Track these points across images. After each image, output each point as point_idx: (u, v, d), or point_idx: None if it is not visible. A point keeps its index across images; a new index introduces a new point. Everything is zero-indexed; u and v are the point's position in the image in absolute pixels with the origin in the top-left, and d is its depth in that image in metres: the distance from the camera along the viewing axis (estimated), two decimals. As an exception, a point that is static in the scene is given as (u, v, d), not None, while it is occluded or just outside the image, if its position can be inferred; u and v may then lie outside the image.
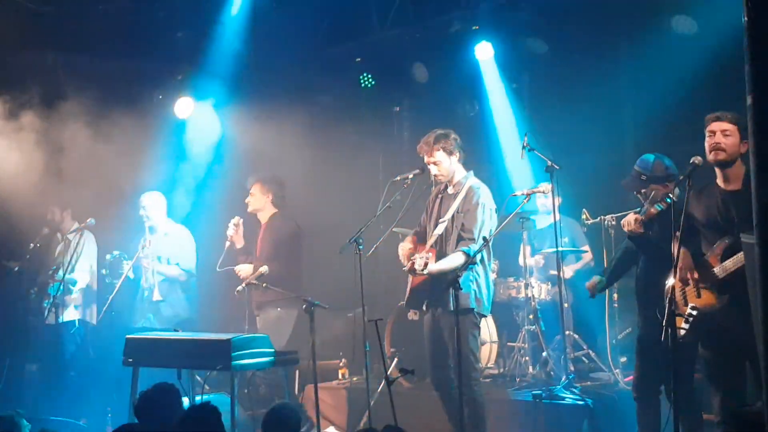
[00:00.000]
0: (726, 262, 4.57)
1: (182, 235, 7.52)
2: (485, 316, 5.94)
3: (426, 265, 5.43)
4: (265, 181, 7.28)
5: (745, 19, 2.75)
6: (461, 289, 5.20)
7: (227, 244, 7.03)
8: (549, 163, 6.39)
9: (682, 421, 4.91)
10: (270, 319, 6.97)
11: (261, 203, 7.27)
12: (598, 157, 8.11)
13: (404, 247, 5.91)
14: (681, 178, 4.43)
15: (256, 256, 7.12)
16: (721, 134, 4.62)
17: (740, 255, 4.47)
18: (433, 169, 5.77)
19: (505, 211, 5.97)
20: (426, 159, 5.78)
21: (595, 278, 5.61)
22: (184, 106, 8.84)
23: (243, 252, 7.12)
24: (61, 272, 7.44)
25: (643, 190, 5.25)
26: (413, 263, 5.51)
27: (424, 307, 5.76)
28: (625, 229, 5.10)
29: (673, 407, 4.21)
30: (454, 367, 5.51)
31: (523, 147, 6.59)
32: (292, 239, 7.19)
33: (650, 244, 5.08)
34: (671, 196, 4.90)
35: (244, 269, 7.00)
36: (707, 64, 7.08)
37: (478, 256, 5.53)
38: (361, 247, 5.53)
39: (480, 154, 8.08)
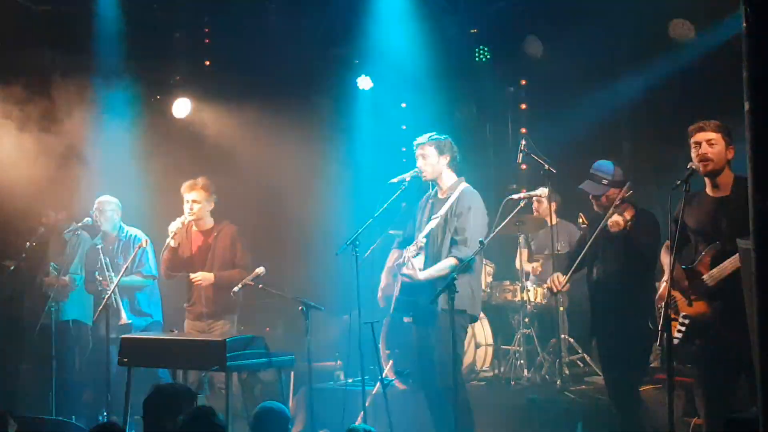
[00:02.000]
0: (713, 270, 4.59)
1: (139, 239, 7.19)
2: (476, 320, 5.96)
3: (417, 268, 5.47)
4: (207, 187, 6.93)
5: (744, 25, 2.75)
6: (458, 291, 5.19)
7: (170, 241, 6.77)
8: (546, 167, 6.40)
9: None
10: (217, 329, 6.84)
11: (205, 211, 6.95)
12: (595, 161, 8.11)
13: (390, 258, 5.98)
14: (678, 183, 4.44)
15: (202, 264, 6.89)
16: (707, 144, 4.63)
17: (726, 263, 4.51)
18: (419, 161, 5.76)
19: (501, 214, 5.97)
20: (417, 152, 5.80)
21: (560, 276, 5.48)
22: (181, 107, 8.83)
23: (172, 251, 6.86)
24: (54, 271, 7.42)
25: (601, 195, 5.36)
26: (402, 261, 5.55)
27: (411, 312, 5.75)
28: (614, 230, 5.16)
29: (669, 412, 4.21)
30: (439, 369, 5.50)
31: (521, 151, 6.61)
32: (246, 245, 7.04)
33: (632, 247, 5.14)
34: (631, 198, 5.11)
35: (207, 276, 6.81)
36: (705, 69, 7.10)
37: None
38: (357, 249, 5.53)
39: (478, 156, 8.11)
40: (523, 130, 8.60)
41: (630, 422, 5.35)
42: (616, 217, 5.14)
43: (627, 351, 5.26)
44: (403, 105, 9.45)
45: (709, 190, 4.73)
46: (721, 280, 4.55)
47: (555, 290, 5.49)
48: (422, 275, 5.52)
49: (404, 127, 9.55)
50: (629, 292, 5.25)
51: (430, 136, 5.78)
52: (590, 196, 5.46)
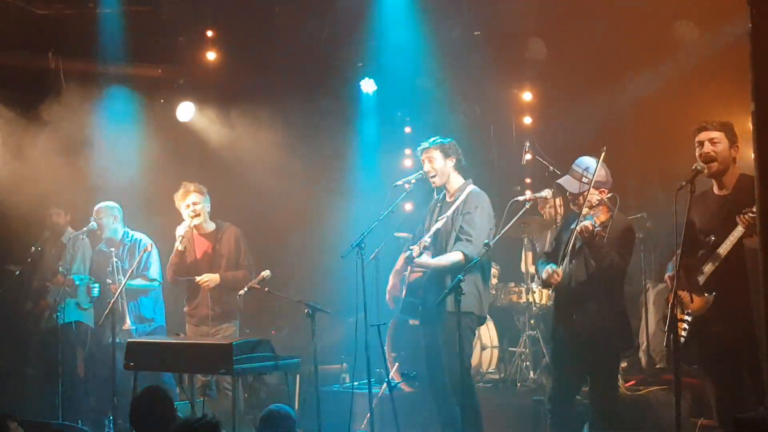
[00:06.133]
0: (705, 267, 4.60)
1: (143, 243, 7.22)
2: (484, 322, 5.95)
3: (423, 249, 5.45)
4: (200, 190, 6.99)
5: (750, 26, 2.76)
6: (464, 293, 5.18)
7: (179, 245, 6.85)
8: (551, 168, 6.40)
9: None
10: (221, 334, 6.86)
11: (205, 211, 7.01)
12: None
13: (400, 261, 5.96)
14: (684, 183, 4.40)
15: (208, 268, 6.92)
16: (710, 143, 4.62)
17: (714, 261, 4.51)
18: (426, 166, 5.77)
19: (506, 216, 5.96)
20: (422, 157, 5.79)
21: (554, 269, 5.06)
22: (185, 110, 8.85)
23: (180, 255, 6.91)
24: (63, 272, 7.44)
25: (579, 193, 5.06)
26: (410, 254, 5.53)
27: (419, 313, 5.74)
28: (584, 235, 4.81)
29: (676, 413, 4.21)
30: (447, 372, 5.50)
31: (525, 152, 6.61)
32: (248, 246, 7.10)
33: (604, 252, 4.86)
34: (607, 202, 4.87)
35: (213, 278, 6.84)
36: (710, 71, 7.08)
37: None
38: (363, 251, 5.53)
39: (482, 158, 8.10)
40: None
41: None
42: (586, 223, 4.78)
43: (589, 360, 4.98)
44: (407, 123, 9.45)
45: (715, 188, 4.73)
46: (707, 276, 4.57)
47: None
48: (433, 261, 5.53)
49: (408, 130, 9.59)
50: (596, 299, 4.95)
51: (434, 140, 5.78)
52: (567, 194, 5.17)
